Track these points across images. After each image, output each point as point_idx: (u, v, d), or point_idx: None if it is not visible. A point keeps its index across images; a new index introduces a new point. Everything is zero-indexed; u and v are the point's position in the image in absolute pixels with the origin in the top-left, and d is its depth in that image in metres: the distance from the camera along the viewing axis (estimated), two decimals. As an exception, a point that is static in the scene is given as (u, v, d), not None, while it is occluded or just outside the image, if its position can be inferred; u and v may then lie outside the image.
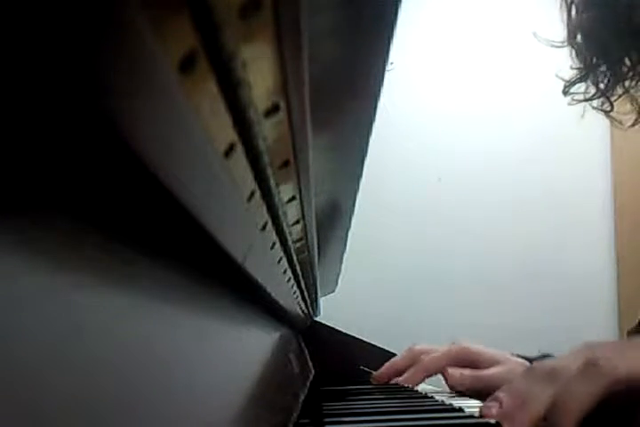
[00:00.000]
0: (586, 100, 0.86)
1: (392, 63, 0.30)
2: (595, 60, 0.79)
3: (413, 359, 0.80)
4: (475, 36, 2.12)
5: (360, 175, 0.50)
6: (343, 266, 1.01)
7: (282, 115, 0.20)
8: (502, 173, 2.10)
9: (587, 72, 0.81)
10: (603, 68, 0.79)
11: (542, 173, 2.10)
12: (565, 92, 0.89)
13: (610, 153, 2.12)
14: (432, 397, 0.70)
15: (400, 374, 0.81)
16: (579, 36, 0.79)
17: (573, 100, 0.89)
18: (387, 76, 0.31)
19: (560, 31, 0.86)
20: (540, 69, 2.06)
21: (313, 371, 0.81)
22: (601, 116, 0.91)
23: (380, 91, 0.32)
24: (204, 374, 0.25)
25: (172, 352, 0.22)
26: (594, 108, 0.87)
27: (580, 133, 2.09)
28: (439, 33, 2.12)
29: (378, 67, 0.30)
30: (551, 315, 2.01)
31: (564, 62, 0.92)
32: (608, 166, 2.13)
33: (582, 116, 0.92)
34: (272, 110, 0.20)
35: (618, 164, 2.11)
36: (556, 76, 0.89)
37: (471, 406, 0.62)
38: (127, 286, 0.19)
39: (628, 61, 0.77)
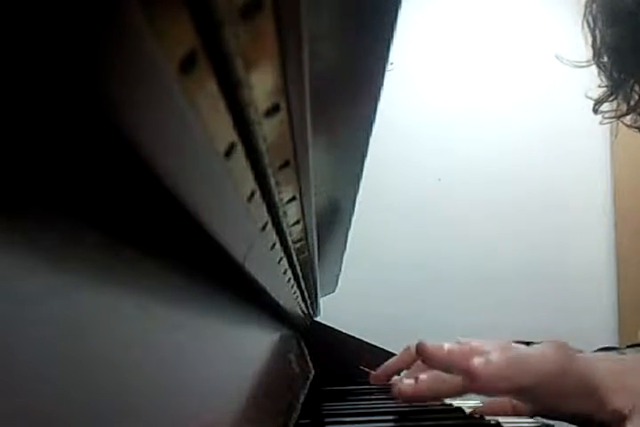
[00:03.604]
0: (617, 117, 0.86)
1: (392, 63, 0.30)
2: (622, 76, 0.79)
3: (410, 361, 0.79)
4: (474, 36, 2.12)
5: (360, 175, 0.50)
6: (343, 266, 1.01)
7: (282, 115, 0.20)
8: (502, 174, 2.10)
9: (615, 89, 0.80)
10: (631, 84, 0.79)
11: (542, 174, 2.10)
12: (595, 111, 0.88)
13: (610, 154, 2.12)
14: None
15: (397, 374, 0.80)
16: (604, 54, 0.79)
17: (604, 118, 0.88)
18: (387, 76, 0.31)
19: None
20: (540, 70, 2.07)
21: (313, 371, 0.81)
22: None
23: (380, 91, 0.32)
24: (205, 374, 0.25)
25: (172, 352, 0.21)
26: (627, 125, 0.87)
27: (580, 134, 2.09)
28: (439, 33, 2.12)
29: (378, 67, 0.30)
30: (551, 315, 2.01)
31: (566, 63, 0.92)
32: (608, 167, 2.13)
33: (615, 136, 0.92)
34: (272, 110, 0.20)
35: (618, 165, 2.11)
36: (586, 96, 0.88)
37: (471, 406, 0.62)
38: (127, 286, 0.19)
39: None
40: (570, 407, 0.51)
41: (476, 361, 0.48)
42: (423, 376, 0.55)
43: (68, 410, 0.13)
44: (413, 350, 0.74)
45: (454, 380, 0.53)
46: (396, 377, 0.80)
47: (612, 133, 2.02)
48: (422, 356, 0.53)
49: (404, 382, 0.55)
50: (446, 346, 0.53)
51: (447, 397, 0.58)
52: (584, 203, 2.12)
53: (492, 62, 2.13)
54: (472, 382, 0.49)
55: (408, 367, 0.77)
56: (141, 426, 0.16)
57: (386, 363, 0.81)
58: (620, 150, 2.08)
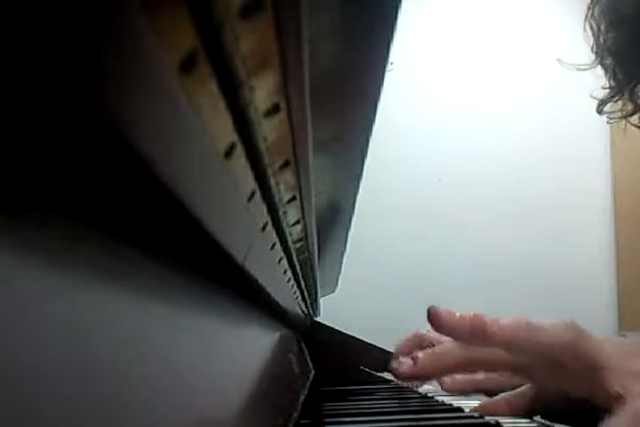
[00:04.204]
0: (623, 117, 0.86)
1: (392, 63, 0.30)
2: (626, 77, 0.79)
3: (419, 345, 0.76)
4: (474, 36, 2.12)
5: (360, 175, 0.50)
6: (343, 266, 1.01)
7: (282, 115, 0.20)
8: (502, 174, 2.10)
9: (619, 90, 0.81)
10: (635, 84, 0.79)
11: (542, 174, 2.10)
12: (599, 111, 0.89)
13: (610, 153, 2.12)
14: (432, 397, 0.70)
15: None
16: (607, 56, 0.79)
17: (609, 117, 0.88)
18: (387, 76, 0.31)
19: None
20: (540, 70, 2.07)
21: (313, 371, 0.81)
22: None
23: (380, 91, 0.32)
24: (204, 374, 0.25)
25: (171, 352, 0.21)
26: (634, 125, 0.87)
27: (580, 134, 2.09)
28: (439, 33, 2.12)
29: (378, 67, 0.30)
30: (551, 315, 2.01)
31: (568, 67, 0.92)
32: (608, 166, 2.13)
33: (624, 130, 0.92)
34: (272, 110, 0.20)
35: (618, 164, 2.11)
36: (591, 96, 0.89)
37: (471, 406, 0.62)
38: (127, 286, 0.19)
39: None
40: (570, 386, 0.51)
41: (490, 322, 0.48)
42: (420, 354, 0.55)
43: (68, 410, 0.13)
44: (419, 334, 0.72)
45: (453, 354, 0.53)
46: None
47: (612, 133, 2.03)
48: (434, 320, 0.53)
49: (402, 361, 0.55)
50: (459, 313, 0.53)
51: (448, 372, 0.58)
52: (584, 202, 2.12)
53: (492, 62, 2.13)
54: (485, 342, 0.49)
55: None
56: (141, 426, 0.16)
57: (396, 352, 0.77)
58: (620, 150, 2.08)
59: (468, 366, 0.56)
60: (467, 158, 2.09)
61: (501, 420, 0.55)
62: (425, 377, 0.57)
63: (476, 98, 2.11)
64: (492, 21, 2.13)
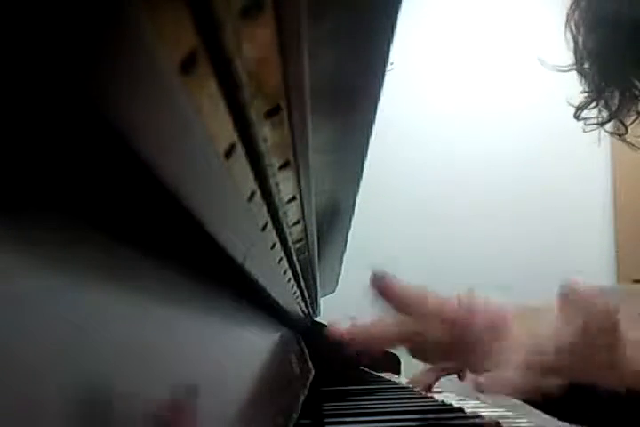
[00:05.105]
0: (599, 124, 0.85)
1: (392, 63, 0.30)
2: (603, 83, 0.78)
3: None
4: (475, 37, 2.12)
5: (360, 175, 0.50)
6: (343, 266, 1.01)
7: (282, 115, 0.21)
8: (502, 174, 2.10)
9: (597, 96, 0.80)
10: (612, 91, 0.79)
11: (542, 174, 2.10)
12: (577, 117, 0.88)
13: (610, 153, 2.12)
14: (432, 397, 0.70)
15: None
16: (586, 60, 0.78)
17: (586, 124, 0.88)
18: (387, 76, 0.31)
19: (561, 38, 0.85)
20: (539, 70, 2.06)
21: (313, 371, 0.81)
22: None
23: (380, 91, 0.32)
24: (205, 374, 0.25)
25: (172, 352, 0.22)
26: (609, 133, 0.86)
27: (579, 134, 2.09)
28: (439, 33, 2.12)
29: (378, 67, 0.30)
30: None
31: (548, 67, 0.93)
32: (608, 166, 2.13)
33: (599, 144, 0.92)
34: (273, 111, 0.20)
35: (618, 164, 2.11)
36: (568, 103, 0.88)
37: (471, 406, 0.62)
38: (127, 286, 0.19)
39: (637, 83, 0.77)
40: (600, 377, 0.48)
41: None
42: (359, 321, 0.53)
43: (68, 410, 0.13)
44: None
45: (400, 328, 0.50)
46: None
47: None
48: (385, 290, 0.49)
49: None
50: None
51: (388, 346, 0.55)
52: (584, 202, 2.12)
53: (493, 62, 2.13)
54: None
55: None
56: (141, 426, 0.16)
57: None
58: (620, 150, 2.08)
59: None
60: (467, 158, 2.09)
61: (502, 420, 0.55)
62: (354, 342, 0.54)
63: (476, 98, 2.11)
64: (494, 21, 2.13)
